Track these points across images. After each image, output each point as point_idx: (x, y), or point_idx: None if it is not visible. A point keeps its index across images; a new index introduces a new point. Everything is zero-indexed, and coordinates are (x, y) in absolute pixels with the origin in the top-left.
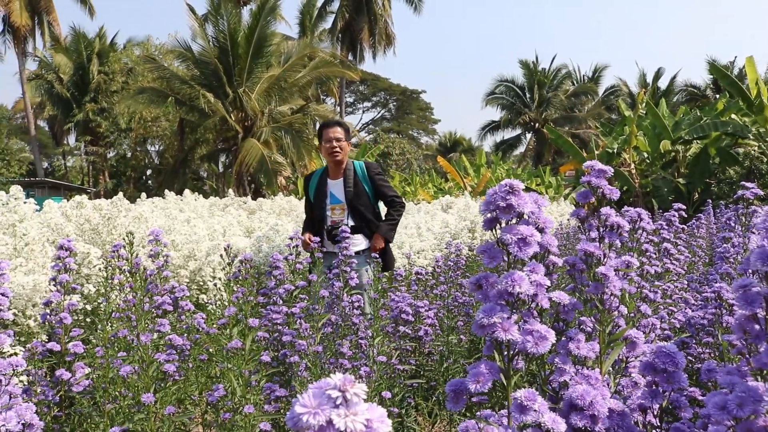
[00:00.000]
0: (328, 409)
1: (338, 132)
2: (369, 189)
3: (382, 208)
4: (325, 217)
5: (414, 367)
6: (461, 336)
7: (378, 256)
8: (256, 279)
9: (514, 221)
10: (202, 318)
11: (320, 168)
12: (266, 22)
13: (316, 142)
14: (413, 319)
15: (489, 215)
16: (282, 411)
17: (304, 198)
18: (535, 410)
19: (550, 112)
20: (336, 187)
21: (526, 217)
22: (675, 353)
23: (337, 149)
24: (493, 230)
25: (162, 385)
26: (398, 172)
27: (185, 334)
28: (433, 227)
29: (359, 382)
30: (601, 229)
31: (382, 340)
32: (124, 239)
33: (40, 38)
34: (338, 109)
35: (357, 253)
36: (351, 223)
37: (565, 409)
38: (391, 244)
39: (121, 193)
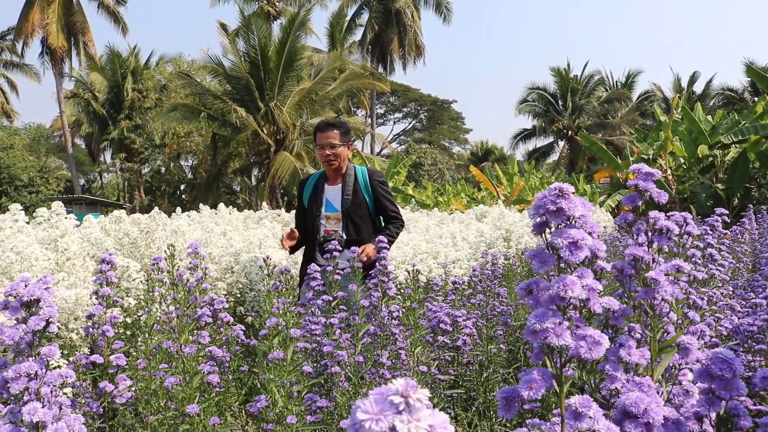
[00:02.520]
0: (390, 415)
1: (332, 136)
2: (369, 199)
3: None
4: (319, 227)
5: (453, 377)
6: (500, 345)
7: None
8: (294, 290)
9: (563, 225)
10: (242, 330)
11: (318, 171)
12: (296, 36)
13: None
14: (451, 329)
15: (538, 219)
16: (323, 422)
17: (297, 205)
18: (590, 417)
19: (583, 119)
20: (333, 194)
21: (576, 221)
22: (732, 359)
23: (332, 157)
24: (542, 235)
25: (204, 396)
26: (431, 183)
27: (224, 346)
28: (468, 236)
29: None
30: (650, 233)
31: (422, 350)
32: (164, 252)
33: (76, 58)
34: (369, 120)
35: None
36: (345, 235)
37: (618, 416)
38: (421, 255)
39: (156, 208)
